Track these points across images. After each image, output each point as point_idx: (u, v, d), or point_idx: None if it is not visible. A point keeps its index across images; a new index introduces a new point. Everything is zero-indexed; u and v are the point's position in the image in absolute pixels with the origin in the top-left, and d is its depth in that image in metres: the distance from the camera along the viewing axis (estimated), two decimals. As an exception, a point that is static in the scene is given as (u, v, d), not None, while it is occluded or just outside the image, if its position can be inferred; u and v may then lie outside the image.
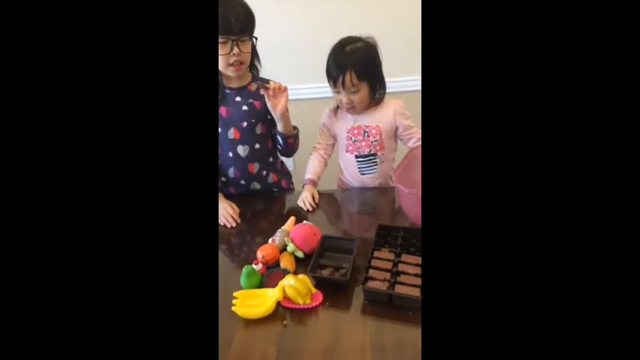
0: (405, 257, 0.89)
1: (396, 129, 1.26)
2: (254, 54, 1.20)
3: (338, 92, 1.17)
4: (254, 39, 1.13)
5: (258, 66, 1.24)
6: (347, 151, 1.26)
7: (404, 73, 1.73)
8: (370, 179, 1.28)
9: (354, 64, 1.11)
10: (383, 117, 1.23)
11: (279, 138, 1.22)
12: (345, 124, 1.25)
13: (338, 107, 1.26)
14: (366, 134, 1.23)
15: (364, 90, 1.16)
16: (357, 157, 1.26)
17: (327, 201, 1.22)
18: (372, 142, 1.23)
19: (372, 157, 1.25)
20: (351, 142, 1.25)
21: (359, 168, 1.27)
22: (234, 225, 1.12)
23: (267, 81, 1.19)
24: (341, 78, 1.12)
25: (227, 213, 1.13)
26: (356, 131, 1.24)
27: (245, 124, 1.19)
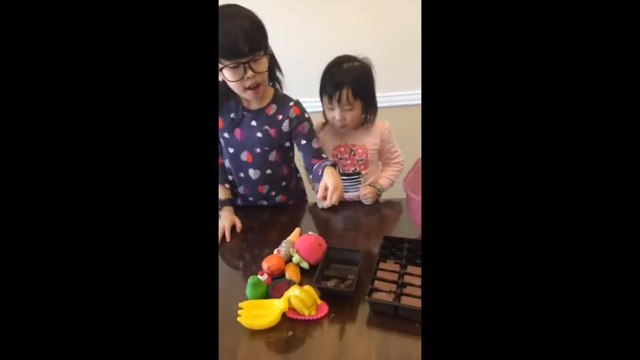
0: (410, 269, 0.89)
1: (380, 151, 1.28)
2: (274, 64, 1.09)
3: (332, 109, 1.18)
4: (269, 54, 1.02)
5: (280, 76, 1.14)
6: None
7: (404, 87, 1.75)
8: (352, 198, 1.28)
9: (351, 81, 1.13)
10: (370, 138, 1.24)
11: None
12: (333, 141, 1.26)
13: (324, 124, 1.27)
14: (352, 153, 1.24)
15: (358, 108, 1.17)
16: (341, 174, 1.26)
17: (333, 212, 1.23)
18: (357, 160, 1.25)
19: (356, 176, 1.27)
20: (336, 159, 1.26)
21: (342, 186, 1.27)
22: (227, 240, 1.10)
23: (289, 99, 1.14)
24: (337, 94, 1.13)
25: (224, 227, 1.12)
26: (342, 149, 1.25)
27: (258, 150, 1.16)
